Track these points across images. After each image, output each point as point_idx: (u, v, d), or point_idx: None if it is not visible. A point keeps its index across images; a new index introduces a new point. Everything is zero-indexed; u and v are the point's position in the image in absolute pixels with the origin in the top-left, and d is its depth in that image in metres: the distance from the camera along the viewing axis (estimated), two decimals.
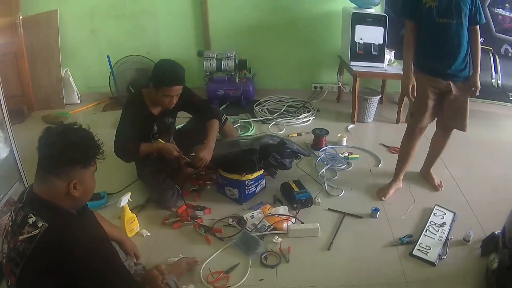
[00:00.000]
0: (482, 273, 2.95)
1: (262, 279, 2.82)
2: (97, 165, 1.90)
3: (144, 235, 3.15)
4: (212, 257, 2.94)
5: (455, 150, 4.48)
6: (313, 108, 5.26)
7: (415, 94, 3.42)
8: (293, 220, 3.31)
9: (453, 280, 3.00)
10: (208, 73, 5.07)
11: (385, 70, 4.97)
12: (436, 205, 3.72)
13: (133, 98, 3.48)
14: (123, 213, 3.09)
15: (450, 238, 3.38)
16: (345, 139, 4.54)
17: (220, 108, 4.92)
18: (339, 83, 5.33)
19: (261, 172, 3.55)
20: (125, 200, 3.07)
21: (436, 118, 3.68)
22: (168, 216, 3.34)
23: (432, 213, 3.63)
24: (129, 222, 3.13)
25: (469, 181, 4.11)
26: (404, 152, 3.79)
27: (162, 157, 3.53)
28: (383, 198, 3.77)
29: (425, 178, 4.07)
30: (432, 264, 3.12)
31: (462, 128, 3.60)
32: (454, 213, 3.64)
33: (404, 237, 3.32)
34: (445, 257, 3.17)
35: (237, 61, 5.01)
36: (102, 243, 1.86)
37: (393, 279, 2.97)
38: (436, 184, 4.00)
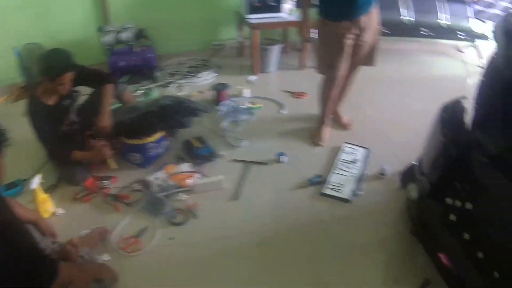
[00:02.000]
0: (403, 205, 2.95)
1: (173, 237, 2.78)
2: (10, 154, 1.91)
3: (59, 214, 3.04)
4: (122, 223, 2.87)
5: (370, 91, 4.51)
6: (214, 66, 5.16)
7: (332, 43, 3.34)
8: (197, 175, 3.25)
9: (372, 214, 3.01)
10: (109, 47, 4.92)
11: (283, 20, 4.89)
12: (344, 142, 3.69)
13: (30, 104, 3.27)
14: (35, 195, 2.95)
15: (365, 174, 3.36)
16: (246, 90, 4.47)
17: (123, 79, 4.79)
18: (239, 38, 5.24)
19: (162, 133, 3.46)
20: (35, 182, 2.95)
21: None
22: (79, 191, 3.22)
23: (341, 150, 3.60)
24: (42, 203, 2.99)
25: (385, 119, 4.13)
26: (327, 98, 3.71)
27: (67, 135, 3.47)
28: (321, 143, 3.74)
29: (333, 118, 4.00)
30: (346, 201, 3.10)
31: (372, 63, 3.58)
32: (367, 149, 3.62)
33: (313, 177, 3.29)
34: (361, 192, 3.17)
35: (135, 31, 4.87)
36: (9, 225, 1.86)
37: (307, 221, 2.96)
38: (345, 123, 3.96)
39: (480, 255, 2.18)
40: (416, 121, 3.73)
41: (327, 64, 3.47)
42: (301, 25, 3.60)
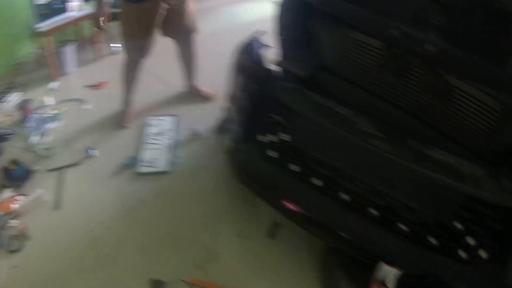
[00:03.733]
0: (226, 157, 2.92)
1: (16, 266, 2.76)
2: None
3: None
4: None
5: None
6: (19, 85, 4.85)
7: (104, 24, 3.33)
8: (19, 198, 3.20)
9: (198, 177, 3.17)
10: None
11: (73, 18, 4.81)
12: (148, 117, 3.77)
13: None
14: None
15: (179, 140, 3.44)
16: (50, 99, 4.32)
17: None
18: (37, 49, 5.03)
19: None
20: None
21: (167, 35, 3.58)
22: None
23: (146, 125, 3.67)
24: None
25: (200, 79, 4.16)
26: (131, 80, 3.72)
27: None
28: (128, 125, 3.76)
29: (193, 93, 4.09)
30: (165, 173, 3.18)
31: (195, 29, 3.59)
32: (175, 116, 3.71)
33: (125, 161, 3.35)
34: (180, 159, 3.27)
35: None
36: None
37: (131, 205, 3.06)
38: (208, 94, 4.06)
39: (319, 182, 2.16)
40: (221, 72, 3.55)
41: (138, 47, 3.47)
42: (95, 16, 3.45)
